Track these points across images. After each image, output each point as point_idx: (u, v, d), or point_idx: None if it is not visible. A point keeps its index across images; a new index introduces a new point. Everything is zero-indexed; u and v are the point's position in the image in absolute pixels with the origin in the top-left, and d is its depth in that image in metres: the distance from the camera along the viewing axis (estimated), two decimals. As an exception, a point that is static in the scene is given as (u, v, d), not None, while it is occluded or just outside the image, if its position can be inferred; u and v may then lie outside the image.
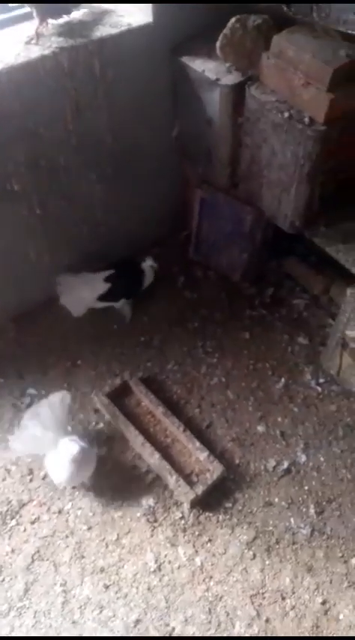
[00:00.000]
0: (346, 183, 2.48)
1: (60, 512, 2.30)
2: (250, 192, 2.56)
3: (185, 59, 2.37)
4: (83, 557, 2.20)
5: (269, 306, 2.97)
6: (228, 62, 2.28)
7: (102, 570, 2.17)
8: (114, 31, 2.24)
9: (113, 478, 2.37)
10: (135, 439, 2.38)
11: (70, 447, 2.14)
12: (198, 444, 2.39)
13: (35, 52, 2.13)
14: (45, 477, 2.38)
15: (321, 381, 2.71)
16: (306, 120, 2.09)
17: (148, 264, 2.80)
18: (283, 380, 2.71)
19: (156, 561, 2.17)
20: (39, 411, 2.26)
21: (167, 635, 2.03)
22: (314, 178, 2.26)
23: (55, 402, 2.27)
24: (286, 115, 2.12)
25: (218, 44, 2.24)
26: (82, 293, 2.77)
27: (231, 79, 2.26)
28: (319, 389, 2.69)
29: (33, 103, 2.17)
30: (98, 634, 2.04)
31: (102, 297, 2.76)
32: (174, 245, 3.16)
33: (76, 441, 2.16)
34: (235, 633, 2.05)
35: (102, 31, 2.23)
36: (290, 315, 2.95)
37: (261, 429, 2.55)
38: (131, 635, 2.04)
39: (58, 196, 2.52)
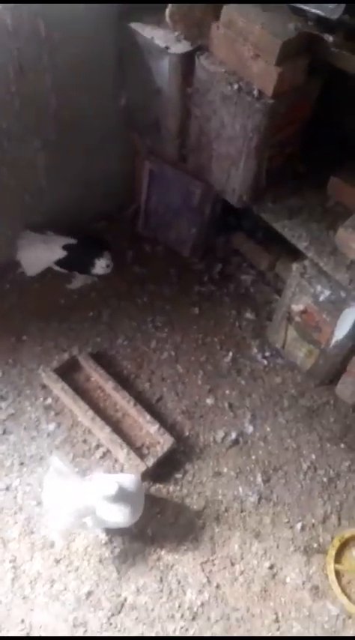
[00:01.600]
0: (292, 159, 2.53)
1: (7, 488, 2.25)
2: (199, 165, 2.55)
3: (134, 25, 2.31)
4: (32, 532, 2.17)
5: (217, 282, 2.99)
6: (177, 31, 2.24)
7: (52, 545, 2.15)
8: (60, -9, 2.15)
9: (62, 453, 2.34)
10: (85, 414, 2.35)
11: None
12: (148, 417, 2.40)
13: (-25, 8, 2.01)
14: (-9, 455, 2.32)
15: (267, 354, 2.77)
16: (255, 93, 2.09)
17: (101, 264, 2.75)
18: (231, 354, 2.75)
19: (107, 534, 2.17)
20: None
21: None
22: (262, 152, 2.27)
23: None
24: (235, 87, 2.11)
25: (167, 11, 2.19)
26: (39, 252, 2.74)
27: (181, 47, 2.23)
28: (265, 362, 2.75)
29: (-27, 63, 2.06)
30: (49, 608, 2.03)
31: (58, 263, 2.75)
32: (123, 219, 3.12)
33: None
34: (186, 600, 2.09)
35: (48, -10, 2.14)
36: (237, 290, 2.98)
37: (209, 401, 2.59)
38: (83, 607, 2.04)
39: (-1, 164, 2.42)
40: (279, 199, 2.51)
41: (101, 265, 2.74)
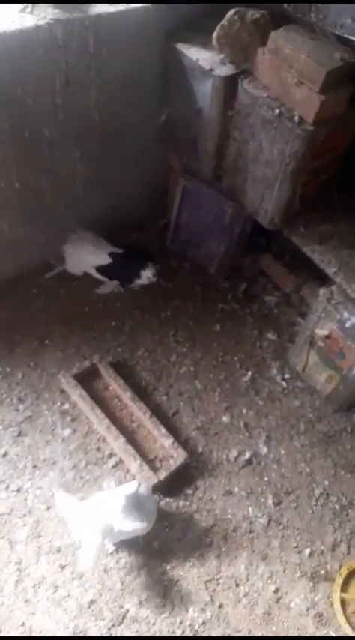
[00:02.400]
0: (327, 185, 2.55)
1: (19, 490, 2.27)
2: (233, 186, 2.58)
3: (180, 46, 2.37)
4: (40, 536, 2.18)
5: (241, 301, 3.01)
6: (222, 54, 2.29)
7: (58, 550, 2.15)
8: (111, 9, 2.22)
9: (75, 459, 2.36)
10: (101, 422, 2.37)
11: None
12: (163, 430, 2.40)
13: (30, 20, 2.08)
14: (5, 454, 2.34)
15: (287, 376, 2.77)
16: (296, 119, 2.12)
17: (148, 274, 2.82)
18: (250, 373, 2.76)
19: (113, 544, 2.17)
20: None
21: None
22: (298, 178, 2.30)
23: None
24: (277, 111, 2.15)
25: (214, 35, 2.25)
26: (85, 252, 2.81)
27: (225, 70, 2.28)
28: (284, 384, 2.75)
29: (23, 71, 2.13)
30: (51, 613, 2.03)
31: (100, 269, 2.81)
32: (152, 232, 3.16)
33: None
34: (188, 617, 2.08)
35: (100, 7, 2.20)
36: (261, 310, 3.00)
37: (225, 419, 2.59)
38: (85, 615, 2.04)
39: (39, 170, 2.48)
40: (311, 224, 2.53)
41: (147, 275, 2.81)
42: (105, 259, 2.77)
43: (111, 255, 2.76)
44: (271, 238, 3.01)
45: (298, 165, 2.22)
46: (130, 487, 2.05)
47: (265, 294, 3.05)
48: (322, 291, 2.40)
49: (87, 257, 2.81)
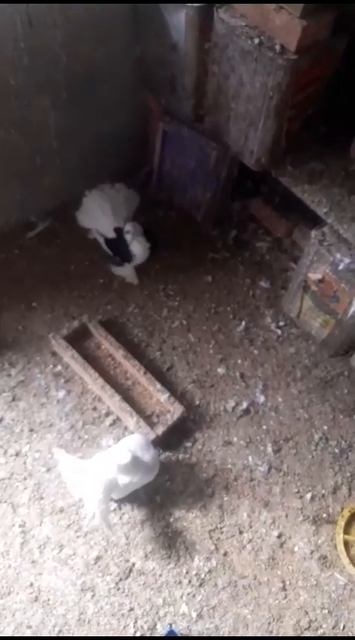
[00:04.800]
0: (314, 120, 2.41)
1: (17, 454, 2.26)
2: (216, 126, 2.44)
3: (148, -25, 2.18)
4: (42, 498, 2.18)
5: (231, 249, 2.91)
6: (194, -20, 2.12)
7: (61, 510, 2.16)
8: None
9: (72, 420, 2.33)
10: (95, 382, 2.33)
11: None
12: (158, 385, 2.37)
13: None
14: (1, 420, 2.32)
15: (281, 324, 2.72)
16: (277, 48, 1.97)
17: (128, 233, 2.68)
18: (244, 323, 2.70)
19: (116, 500, 2.18)
20: None
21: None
22: (283, 112, 2.17)
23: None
24: (256, 41, 1.99)
25: None
26: (99, 215, 2.74)
27: (199, -1, 2.11)
28: (279, 332, 2.70)
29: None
30: (57, 572, 2.05)
31: (107, 241, 2.75)
32: (135, 182, 3.03)
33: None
34: (194, 567, 2.10)
35: None
36: (252, 258, 2.91)
37: (221, 370, 2.55)
38: (91, 571, 2.06)
39: (8, 123, 2.33)
40: (299, 163, 2.41)
41: (128, 232, 2.69)
42: (111, 233, 2.70)
43: (116, 230, 2.69)
44: (260, 181, 2.89)
45: (282, 98, 2.09)
46: (130, 440, 2.05)
47: (256, 240, 2.95)
48: (314, 233, 2.31)
49: (99, 220, 2.74)
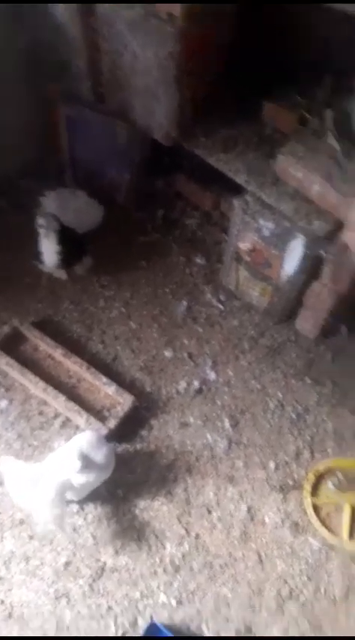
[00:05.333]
0: (219, 87, 2.37)
1: (-32, 474, 2.15)
2: (120, 104, 2.37)
3: None
4: (0, 513, 2.09)
5: (161, 230, 2.86)
6: None
7: (21, 522, 2.07)
8: None
9: (18, 428, 2.24)
10: (36, 385, 2.24)
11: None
12: (104, 379, 2.31)
13: None
14: None
15: (222, 298, 2.69)
16: (163, 16, 1.90)
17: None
18: (185, 302, 2.66)
19: (77, 502, 2.11)
20: None
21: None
22: (181, 81, 2.12)
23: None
24: (141, 11, 1.92)
25: None
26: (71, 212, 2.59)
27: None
28: (221, 306, 2.67)
29: None
30: (28, 585, 1.97)
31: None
32: (49, 173, 2.89)
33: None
34: (167, 554, 2.07)
35: None
36: (184, 236, 2.86)
37: (168, 353, 2.51)
38: (62, 578, 1.99)
39: None
40: (211, 132, 2.37)
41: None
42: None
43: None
44: (179, 157, 2.83)
45: (177, 66, 2.03)
46: (80, 439, 1.98)
47: (185, 217, 2.91)
48: (236, 202, 2.28)
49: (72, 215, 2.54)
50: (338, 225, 2.06)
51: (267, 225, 2.16)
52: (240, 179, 2.25)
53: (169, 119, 2.28)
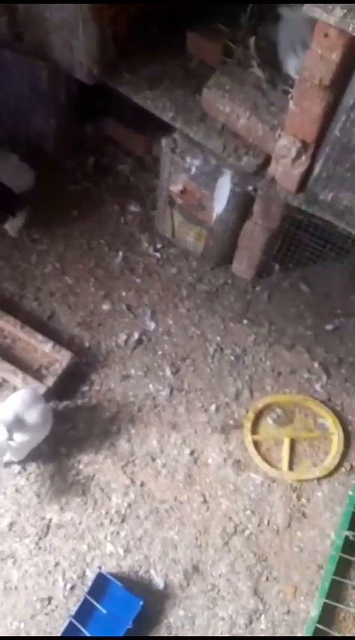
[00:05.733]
0: (141, 20, 2.22)
1: None
2: (38, 42, 2.20)
3: None
4: None
5: (93, 177, 2.73)
6: None
7: None
8: None
9: None
10: (-33, 348, 2.15)
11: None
12: (40, 337, 2.23)
13: None
14: None
15: (159, 246, 2.62)
16: None
17: (16, 224, 2.47)
18: (121, 253, 2.57)
19: (18, 462, 2.07)
20: None
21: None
22: (99, 13, 1.97)
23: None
24: None
25: None
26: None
27: None
28: (158, 255, 2.60)
29: None
30: (-28, 549, 1.95)
31: None
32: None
33: None
34: (113, 505, 2.07)
35: None
36: (117, 183, 2.74)
37: (106, 307, 2.44)
38: (7, 539, 1.97)
39: None
40: (136, 69, 2.23)
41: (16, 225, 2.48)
42: None
43: None
44: (108, 99, 2.68)
45: (93, -4, 1.88)
46: (13, 398, 1.93)
47: (117, 163, 2.78)
48: (164, 141, 2.18)
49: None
50: (267, 160, 2.00)
51: (196, 164, 2.08)
52: (167, 117, 2.14)
53: (90, 56, 2.13)
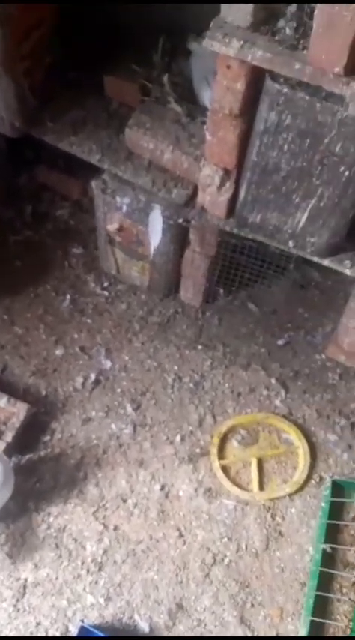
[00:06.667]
0: (58, 67, 2.27)
1: None
2: None
3: None
4: None
5: (32, 225, 2.74)
6: None
7: None
8: None
9: None
10: None
11: None
12: (-7, 392, 2.20)
13: None
14: None
15: (106, 284, 2.63)
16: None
17: None
18: (69, 296, 2.57)
19: (-16, 526, 2.01)
20: None
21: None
22: (14, 67, 1.99)
23: None
24: None
25: None
26: None
27: None
28: (106, 293, 2.61)
29: None
30: None
31: None
32: None
33: None
34: (88, 554, 2.02)
35: None
36: (57, 227, 2.76)
37: (59, 352, 2.43)
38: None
39: None
40: (58, 116, 2.26)
41: None
42: None
43: None
44: (38, 146, 2.70)
45: (5, 51, 1.91)
46: None
47: (55, 208, 2.80)
48: (94, 183, 2.21)
49: None
50: (196, 190, 2.05)
51: (126, 202, 2.11)
52: (94, 159, 2.17)
53: (10, 110, 2.14)
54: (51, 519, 2.07)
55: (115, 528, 2.08)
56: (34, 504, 2.08)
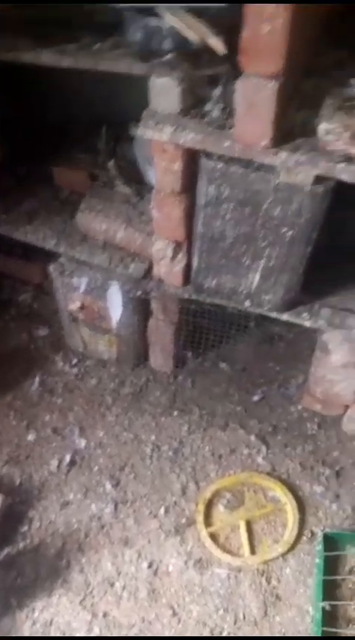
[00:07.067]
0: (7, 165, 2.40)
1: None
2: None
3: None
4: None
5: (-5, 313, 2.78)
6: None
7: None
8: None
9: None
10: None
11: None
12: (-34, 487, 2.13)
13: None
14: None
15: (74, 361, 2.64)
16: None
17: None
18: (37, 378, 2.57)
19: (-34, 633, 1.89)
20: None
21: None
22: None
23: None
24: None
25: None
26: None
27: None
28: (75, 370, 2.62)
29: None
30: None
31: None
32: None
33: None
34: (79, 647, 1.91)
35: None
36: (20, 312, 2.80)
37: (31, 437, 2.39)
38: None
39: None
40: (12, 208, 2.38)
41: None
42: None
43: None
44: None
45: None
46: None
47: (17, 294, 2.85)
48: (51, 267, 2.28)
49: None
50: (151, 262, 2.13)
51: (85, 281, 2.18)
52: (50, 245, 2.27)
53: None
54: (36, 614, 1.96)
55: (105, 615, 1.98)
56: (17, 600, 1.98)
